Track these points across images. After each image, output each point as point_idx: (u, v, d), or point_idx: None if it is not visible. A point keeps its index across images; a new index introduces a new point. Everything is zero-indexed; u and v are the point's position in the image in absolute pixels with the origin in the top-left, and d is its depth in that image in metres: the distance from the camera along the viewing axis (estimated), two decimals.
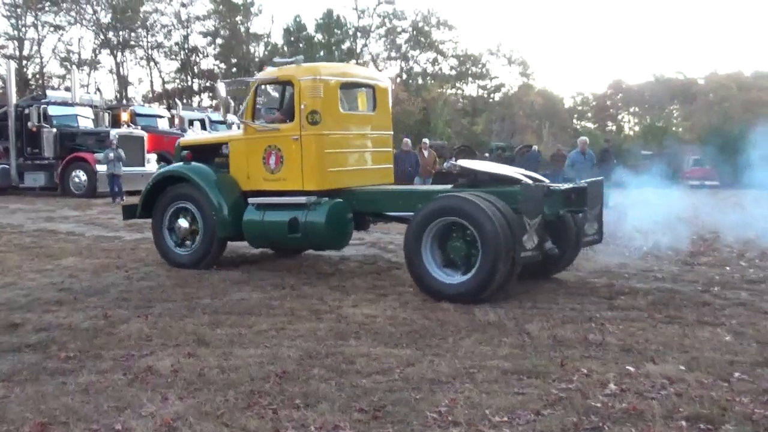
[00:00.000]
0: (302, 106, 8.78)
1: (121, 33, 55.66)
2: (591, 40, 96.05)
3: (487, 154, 37.46)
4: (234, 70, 55.35)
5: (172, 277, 8.76)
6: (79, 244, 12.01)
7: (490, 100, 68.10)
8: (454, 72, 66.66)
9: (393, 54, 65.08)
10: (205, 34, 59.48)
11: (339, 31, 62.23)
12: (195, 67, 60.58)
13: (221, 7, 57.77)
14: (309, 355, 5.45)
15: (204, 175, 9.56)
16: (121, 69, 56.48)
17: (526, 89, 67.20)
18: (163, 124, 27.58)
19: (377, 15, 61.47)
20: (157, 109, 32.97)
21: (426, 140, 20.98)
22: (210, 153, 10.05)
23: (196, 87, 62.30)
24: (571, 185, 8.34)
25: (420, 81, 62.87)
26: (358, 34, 62.35)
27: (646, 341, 5.80)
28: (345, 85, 9.42)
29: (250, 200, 9.25)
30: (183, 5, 56.92)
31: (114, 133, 21.77)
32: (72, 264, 9.93)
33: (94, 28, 54.89)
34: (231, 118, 17.00)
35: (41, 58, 54.09)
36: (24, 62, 50.79)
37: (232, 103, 21.72)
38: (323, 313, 6.88)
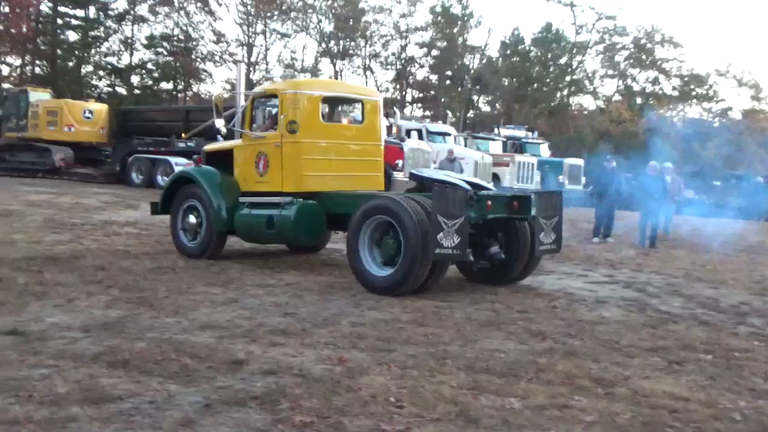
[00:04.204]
0: (282, 117, 9.71)
1: (341, 42, 56.94)
2: None
3: (717, 183, 34.37)
4: (448, 82, 54.60)
5: (407, 310, 7.51)
6: (299, 257, 11.24)
7: (715, 125, 62.63)
8: (676, 92, 62.00)
9: (610, 72, 61.69)
10: (421, 45, 59.35)
11: (556, 46, 59.91)
12: (410, 78, 60.64)
13: (440, 18, 57.40)
14: None
15: (208, 176, 10.49)
16: (339, 77, 57.74)
17: (754, 114, 61.05)
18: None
19: (596, 30, 58.61)
20: None
21: (669, 164, 18.69)
22: (227, 158, 10.72)
23: (409, 97, 62.43)
24: (513, 194, 9.38)
25: (639, 100, 58.97)
26: (575, 49, 59.67)
27: None
28: (328, 99, 10.33)
29: (240, 199, 10.25)
30: (403, 16, 57.43)
31: None
32: (294, 281, 9.04)
33: (317, 36, 56.68)
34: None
35: (267, 64, 56.54)
36: (251, 68, 53.08)
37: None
38: (610, 386, 5.28)
